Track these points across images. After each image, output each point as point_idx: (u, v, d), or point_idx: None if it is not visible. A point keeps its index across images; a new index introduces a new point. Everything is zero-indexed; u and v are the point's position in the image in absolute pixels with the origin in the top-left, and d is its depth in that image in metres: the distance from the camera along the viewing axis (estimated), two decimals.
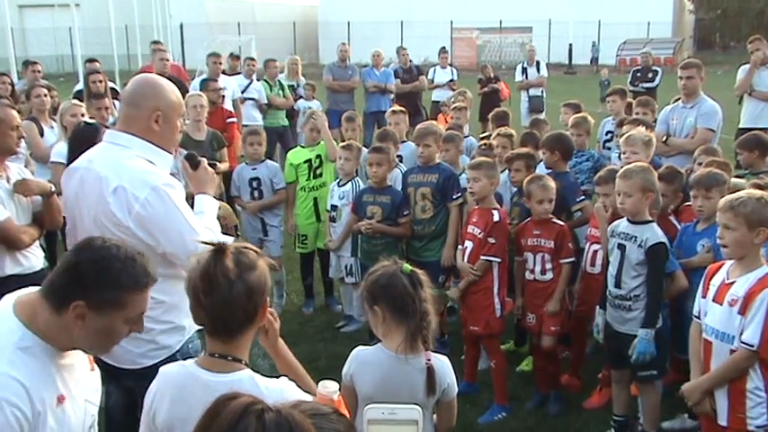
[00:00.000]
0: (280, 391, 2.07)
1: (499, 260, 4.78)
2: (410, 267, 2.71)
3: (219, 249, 2.09)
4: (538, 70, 13.53)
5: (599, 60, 35.95)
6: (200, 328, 2.95)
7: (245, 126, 9.89)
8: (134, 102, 2.95)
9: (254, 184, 6.41)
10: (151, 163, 2.90)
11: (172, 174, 3.11)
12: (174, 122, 3.00)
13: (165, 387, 2.16)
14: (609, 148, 7.29)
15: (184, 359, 2.90)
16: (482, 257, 4.79)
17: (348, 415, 1.64)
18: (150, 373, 2.87)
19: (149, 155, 2.92)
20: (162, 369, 2.23)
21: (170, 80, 3.21)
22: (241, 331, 2.13)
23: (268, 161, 6.66)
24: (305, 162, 6.50)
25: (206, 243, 2.15)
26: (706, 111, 6.58)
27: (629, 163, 4.99)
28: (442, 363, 2.74)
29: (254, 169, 6.44)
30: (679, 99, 6.88)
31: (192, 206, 3.07)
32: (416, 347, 2.68)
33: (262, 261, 2.17)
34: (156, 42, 11.46)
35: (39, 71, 9.59)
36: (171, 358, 2.92)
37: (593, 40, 37.31)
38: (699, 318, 3.46)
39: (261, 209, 6.41)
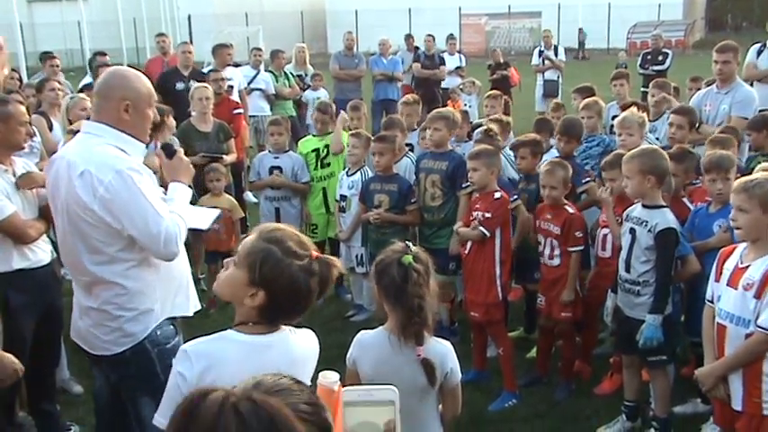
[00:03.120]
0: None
1: (488, 234, 4.69)
2: (410, 259, 2.65)
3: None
4: (555, 54, 13.44)
5: (585, 45, 35.08)
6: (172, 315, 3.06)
7: (253, 117, 9.91)
8: (103, 93, 3.07)
9: (275, 173, 6.39)
10: (123, 151, 2.99)
11: None
12: (144, 112, 3.09)
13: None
14: (614, 133, 7.20)
15: (154, 347, 2.97)
16: (479, 228, 4.74)
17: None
18: (120, 359, 3.02)
19: (121, 143, 3.02)
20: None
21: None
22: None
23: (292, 152, 6.62)
24: (312, 151, 6.48)
25: None
26: (742, 98, 6.25)
27: (624, 145, 4.98)
28: (442, 347, 2.73)
29: (277, 158, 6.42)
30: (713, 83, 6.58)
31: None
32: (410, 337, 2.68)
33: None
34: (160, 35, 11.42)
35: (57, 65, 9.56)
36: (139, 345, 3.03)
37: (603, 23, 36.82)
38: (711, 302, 3.42)
39: (283, 187, 6.36)
